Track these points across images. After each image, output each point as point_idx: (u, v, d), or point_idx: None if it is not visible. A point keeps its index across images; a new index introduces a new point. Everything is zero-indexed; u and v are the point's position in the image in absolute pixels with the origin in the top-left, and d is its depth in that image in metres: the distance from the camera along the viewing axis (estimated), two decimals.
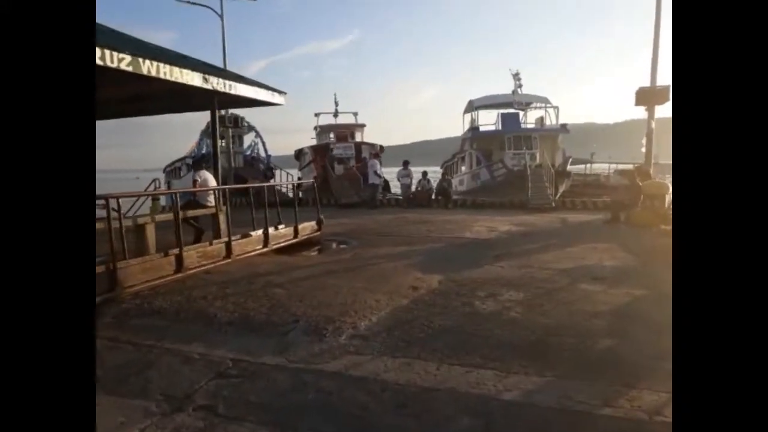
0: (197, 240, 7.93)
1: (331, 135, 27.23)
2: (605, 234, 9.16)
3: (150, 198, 13.62)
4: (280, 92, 9.32)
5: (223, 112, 17.01)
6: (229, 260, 6.73)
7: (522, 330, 3.92)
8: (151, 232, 7.22)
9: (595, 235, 8.99)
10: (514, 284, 5.41)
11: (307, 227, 8.95)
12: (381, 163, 24.81)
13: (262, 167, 25.25)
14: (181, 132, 26.05)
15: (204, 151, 25.88)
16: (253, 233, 7.81)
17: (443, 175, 16.45)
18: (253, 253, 7.23)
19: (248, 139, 26.81)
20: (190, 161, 26.03)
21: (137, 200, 13.20)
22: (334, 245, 8.69)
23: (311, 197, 21.24)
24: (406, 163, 16.73)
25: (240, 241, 7.30)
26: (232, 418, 2.77)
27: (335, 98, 29.42)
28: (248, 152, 26.77)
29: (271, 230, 8.26)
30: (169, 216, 7.38)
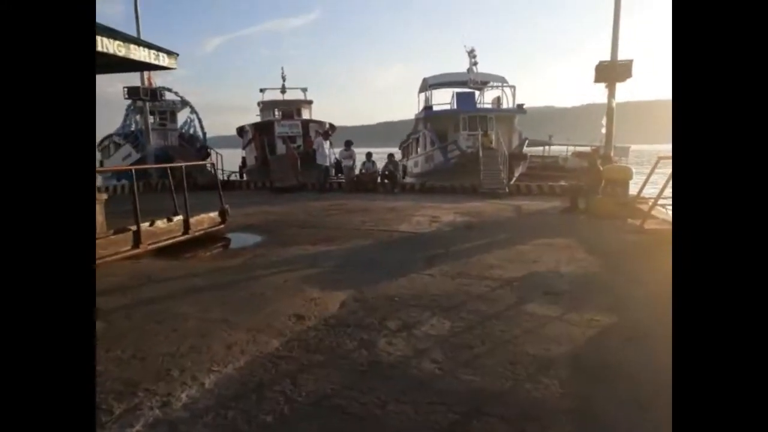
0: None
1: (276, 112, 25.20)
2: (563, 226, 7.91)
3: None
4: (169, 53, 7.50)
5: (138, 82, 14.83)
6: None
7: (436, 404, 2.47)
8: None
9: (552, 228, 7.73)
10: (442, 305, 3.98)
11: (205, 220, 7.25)
12: (332, 144, 23.10)
13: (199, 146, 23.08)
14: (121, 107, 23.67)
15: (133, 128, 23.39)
16: (133, 228, 6.10)
17: (390, 156, 14.88)
18: (114, 257, 5.50)
19: (183, 115, 24.40)
20: (117, 139, 23.53)
21: None
22: (236, 243, 7.04)
23: (254, 179, 19.43)
24: (348, 144, 15.05)
25: (98, 241, 5.57)
26: None
27: (282, 72, 27.29)
28: (184, 129, 24.40)
29: (159, 223, 6.59)
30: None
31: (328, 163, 15.21)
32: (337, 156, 15.12)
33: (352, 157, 14.79)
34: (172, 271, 5.10)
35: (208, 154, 21.35)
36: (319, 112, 26.32)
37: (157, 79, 18.21)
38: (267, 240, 6.99)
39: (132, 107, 22.37)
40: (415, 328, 3.51)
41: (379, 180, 14.63)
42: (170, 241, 6.39)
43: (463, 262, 5.46)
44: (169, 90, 23.98)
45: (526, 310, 3.88)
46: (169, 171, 7.63)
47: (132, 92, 14.68)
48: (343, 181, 14.86)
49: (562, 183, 15.40)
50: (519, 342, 3.24)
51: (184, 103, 23.96)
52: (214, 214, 7.49)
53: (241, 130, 24.87)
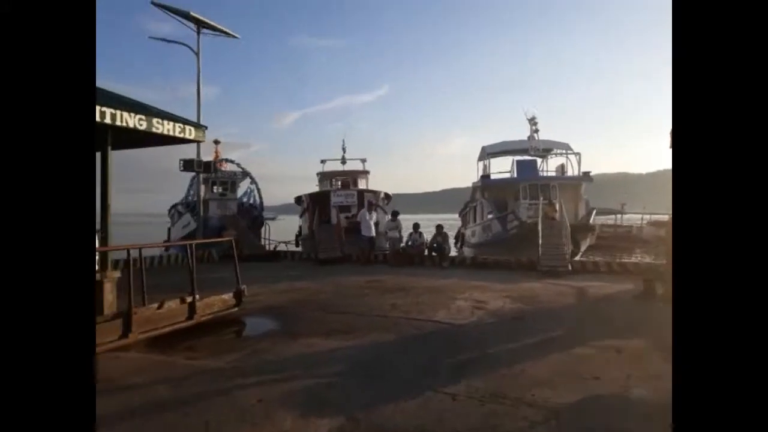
0: None
1: (334, 181, 25.38)
2: (636, 319, 6.44)
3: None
4: (197, 126, 7.32)
5: (192, 154, 15.27)
6: None
7: None
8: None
9: (621, 322, 6.29)
10: None
11: (216, 302, 6.59)
12: (386, 212, 22.64)
13: (255, 215, 23.52)
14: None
15: (191, 198, 24.36)
16: (138, 310, 5.55)
17: (438, 227, 13.90)
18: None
19: (244, 186, 25.22)
20: (180, 208, 24.57)
21: None
22: (246, 330, 6.27)
23: (305, 249, 19.20)
24: (395, 214, 14.31)
25: None
26: None
27: (343, 144, 27.81)
28: (245, 199, 25.13)
29: (168, 305, 6.01)
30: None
31: (373, 234, 14.50)
32: (384, 227, 14.40)
33: (398, 227, 13.98)
34: (143, 374, 4.30)
35: (262, 224, 21.52)
36: (384, 180, 26.34)
37: (232, 154, 18.99)
38: (278, 328, 6.14)
39: (196, 178, 23.41)
40: None
41: (426, 253, 13.64)
42: (168, 329, 5.71)
43: (500, 374, 4.26)
44: (232, 161, 25.14)
45: None
46: (188, 247, 7.16)
47: (187, 165, 15.05)
48: (379, 253, 14.06)
49: (636, 258, 13.58)
50: None
51: (245, 174, 24.83)
52: (227, 296, 6.83)
53: (298, 200, 25.17)
